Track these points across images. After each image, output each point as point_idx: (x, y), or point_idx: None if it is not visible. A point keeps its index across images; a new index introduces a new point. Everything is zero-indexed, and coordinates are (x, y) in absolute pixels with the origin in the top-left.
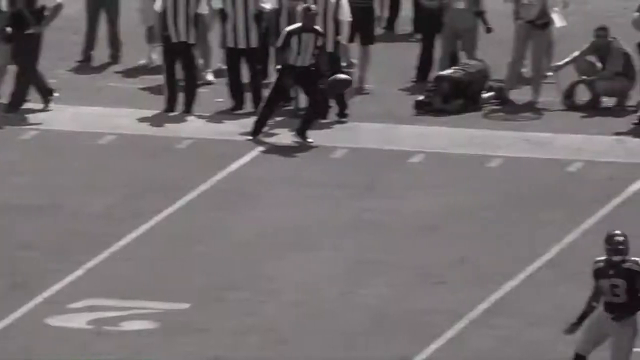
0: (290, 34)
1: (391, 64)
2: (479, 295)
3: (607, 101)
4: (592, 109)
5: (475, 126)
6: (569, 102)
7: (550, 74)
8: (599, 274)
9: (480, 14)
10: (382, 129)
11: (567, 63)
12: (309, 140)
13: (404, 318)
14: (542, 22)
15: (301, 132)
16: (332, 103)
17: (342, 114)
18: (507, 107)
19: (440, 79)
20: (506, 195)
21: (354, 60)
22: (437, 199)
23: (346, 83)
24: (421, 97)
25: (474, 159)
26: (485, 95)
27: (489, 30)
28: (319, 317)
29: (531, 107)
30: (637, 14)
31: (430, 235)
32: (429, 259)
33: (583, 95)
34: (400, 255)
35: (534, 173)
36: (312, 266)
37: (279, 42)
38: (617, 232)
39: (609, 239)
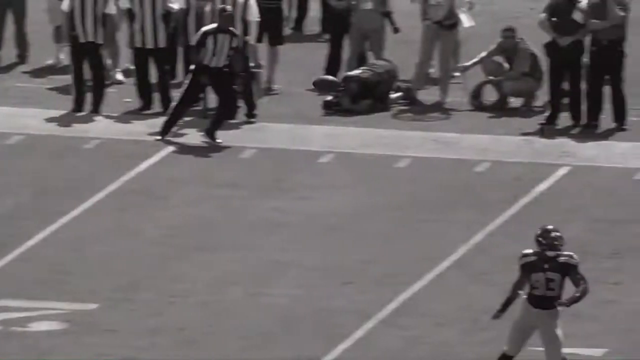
0: (206, 34)
1: (299, 65)
2: (387, 296)
3: (515, 101)
4: (500, 109)
5: (383, 126)
6: (477, 103)
7: (457, 74)
8: (531, 267)
9: (387, 15)
10: (290, 129)
11: (474, 64)
12: (218, 140)
13: (312, 318)
14: (450, 23)
15: (210, 133)
16: (241, 103)
17: (251, 115)
18: (415, 108)
19: (348, 79)
20: (414, 195)
21: (262, 62)
22: (346, 199)
23: (334, 84)
24: (330, 98)
25: (383, 159)
26: (394, 95)
27: (396, 30)
28: (228, 318)
29: (439, 108)
30: (543, 15)
31: (339, 236)
32: (337, 259)
33: (490, 95)
34: (309, 256)
35: (442, 173)
36: (221, 266)
37: (194, 41)
38: (551, 227)
39: (545, 234)
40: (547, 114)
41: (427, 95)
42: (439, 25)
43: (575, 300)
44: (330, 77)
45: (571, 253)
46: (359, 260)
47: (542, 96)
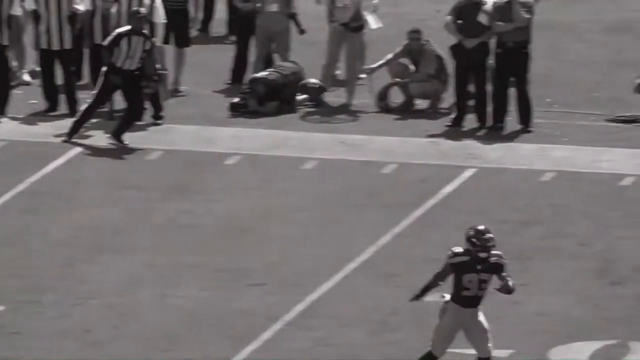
0: (120, 35)
1: (206, 66)
2: (294, 297)
3: (421, 103)
4: (406, 111)
5: (290, 128)
6: (383, 105)
7: (363, 76)
8: (463, 268)
9: (292, 16)
10: (197, 131)
11: (380, 66)
12: (125, 142)
13: (220, 320)
14: (357, 25)
15: (117, 135)
16: (147, 105)
17: (158, 116)
18: (321, 109)
19: (255, 81)
20: (322, 197)
21: (168, 66)
22: (253, 200)
23: (319, 89)
24: (236, 99)
25: (290, 160)
26: (300, 97)
27: (302, 32)
28: (135, 319)
29: (346, 110)
30: (449, 17)
31: (246, 237)
32: (245, 260)
33: (397, 97)
34: (216, 257)
35: (349, 175)
36: (128, 268)
37: (107, 42)
38: (483, 227)
39: (479, 236)
40: (453, 115)
41: (334, 97)
42: (345, 27)
43: (510, 290)
44: (314, 81)
45: (499, 252)
46: (267, 262)
47: (448, 98)
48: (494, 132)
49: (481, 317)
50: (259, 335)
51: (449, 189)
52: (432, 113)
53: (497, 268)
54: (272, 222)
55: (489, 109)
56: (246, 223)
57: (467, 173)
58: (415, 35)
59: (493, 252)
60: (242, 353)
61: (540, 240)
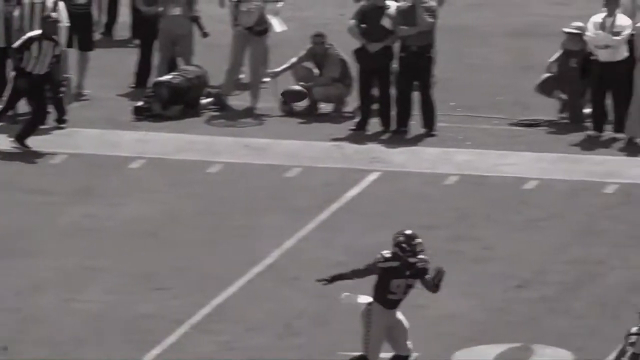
0: (31, 39)
1: (110, 70)
2: (199, 301)
3: (325, 107)
4: (310, 115)
5: (194, 132)
6: (287, 108)
7: (267, 80)
8: (392, 273)
9: (195, 20)
10: (101, 135)
11: (284, 69)
12: (28, 146)
13: (124, 324)
14: (261, 29)
15: (21, 138)
16: (51, 109)
17: (61, 120)
18: (226, 113)
19: (158, 84)
20: (226, 200)
21: (72, 69)
22: (158, 204)
23: (301, 95)
24: (140, 103)
25: (194, 164)
26: (204, 101)
27: (205, 35)
28: (39, 324)
29: (250, 113)
30: (352, 21)
31: (151, 241)
32: (149, 264)
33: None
34: (121, 261)
35: (254, 178)
36: (32, 272)
37: (17, 45)
38: (410, 232)
39: (409, 241)
40: (357, 119)
41: (238, 100)
42: (249, 31)
43: (437, 285)
44: (297, 88)
45: (423, 257)
46: (171, 266)
47: (352, 102)
48: (397, 136)
49: (401, 316)
50: (164, 339)
51: (353, 192)
52: (336, 117)
53: (423, 272)
54: (177, 226)
55: (393, 112)
56: (151, 227)
57: (371, 177)
58: (319, 39)
59: (420, 256)
60: (147, 357)
61: (444, 243)
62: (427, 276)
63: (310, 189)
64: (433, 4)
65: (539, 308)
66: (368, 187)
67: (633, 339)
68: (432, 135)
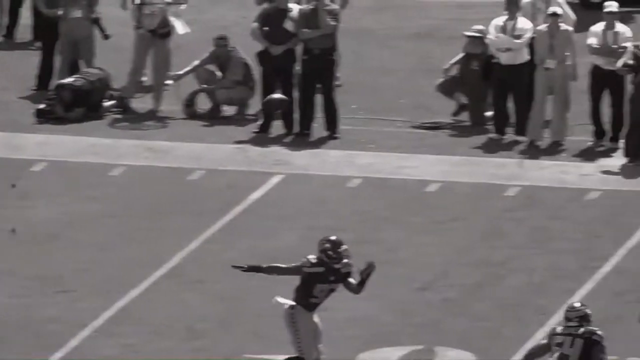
0: None
1: (11, 72)
2: (103, 304)
3: (228, 110)
4: (213, 117)
5: (97, 135)
6: (190, 111)
7: (170, 82)
8: (316, 278)
9: (95, 21)
10: (3, 138)
11: (187, 72)
12: None
13: (27, 327)
14: (164, 32)
15: None
16: None
17: None
18: (128, 116)
19: (60, 87)
20: (130, 203)
21: None
22: (60, 207)
23: (283, 102)
24: (42, 106)
25: (97, 167)
26: (107, 103)
27: (105, 37)
28: None
29: (153, 116)
30: (255, 24)
31: (54, 244)
32: (52, 267)
33: (204, 104)
34: (23, 264)
35: (157, 181)
36: None
37: None
38: (335, 237)
39: (335, 248)
40: (260, 122)
41: (141, 103)
42: (152, 34)
43: (364, 282)
44: (278, 95)
45: (347, 261)
46: (74, 268)
47: (255, 105)
48: (300, 139)
49: (318, 319)
50: (67, 342)
51: (256, 195)
52: (239, 119)
53: (346, 276)
54: (79, 229)
55: (296, 115)
56: (54, 230)
57: (275, 179)
58: (221, 41)
59: (344, 261)
60: None
61: (347, 246)
62: (350, 279)
63: (214, 192)
64: (335, 7)
65: (441, 310)
66: (271, 189)
67: (559, 339)
68: (335, 138)
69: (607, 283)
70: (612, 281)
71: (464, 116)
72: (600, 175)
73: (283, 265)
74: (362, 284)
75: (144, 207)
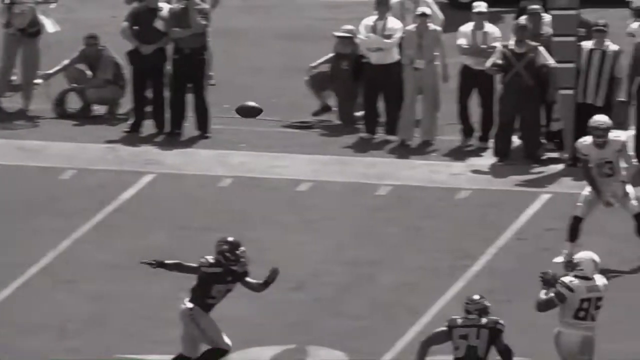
0: None
1: None
2: None
3: (98, 109)
4: (84, 117)
5: None
6: (60, 110)
7: (40, 81)
8: (214, 278)
9: None
10: None
11: (57, 71)
12: None
13: None
14: (33, 30)
15: None
16: None
17: None
18: None
19: None
20: (1, 202)
21: None
22: None
23: (256, 110)
24: None
25: None
26: None
27: None
28: None
29: (23, 115)
30: (125, 23)
31: None
32: None
33: (74, 103)
34: None
35: (28, 181)
36: None
37: None
38: (234, 240)
39: (233, 249)
40: (130, 121)
41: (11, 102)
42: (22, 33)
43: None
44: (252, 104)
45: (243, 260)
46: None
47: (126, 104)
48: (172, 138)
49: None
50: None
51: (128, 194)
52: (110, 119)
53: (244, 275)
54: None
55: (167, 115)
56: None
57: (146, 179)
58: (91, 40)
59: (241, 260)
60: None
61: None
62: (248, 278)
63: (85, 191)
64: (206, 6)
65: (314, 309)
66: (143, 189)
67: (463, 331)
68: (207, 138)
69: (478, 282)
70: (482, 280)
71: (328, 116)
72: (470, 174)
73: (185, 264)
74: (265, 285)
75: (16, 206)
